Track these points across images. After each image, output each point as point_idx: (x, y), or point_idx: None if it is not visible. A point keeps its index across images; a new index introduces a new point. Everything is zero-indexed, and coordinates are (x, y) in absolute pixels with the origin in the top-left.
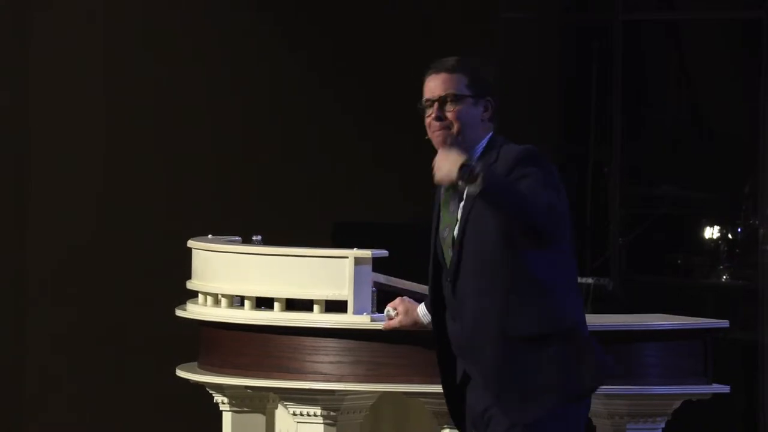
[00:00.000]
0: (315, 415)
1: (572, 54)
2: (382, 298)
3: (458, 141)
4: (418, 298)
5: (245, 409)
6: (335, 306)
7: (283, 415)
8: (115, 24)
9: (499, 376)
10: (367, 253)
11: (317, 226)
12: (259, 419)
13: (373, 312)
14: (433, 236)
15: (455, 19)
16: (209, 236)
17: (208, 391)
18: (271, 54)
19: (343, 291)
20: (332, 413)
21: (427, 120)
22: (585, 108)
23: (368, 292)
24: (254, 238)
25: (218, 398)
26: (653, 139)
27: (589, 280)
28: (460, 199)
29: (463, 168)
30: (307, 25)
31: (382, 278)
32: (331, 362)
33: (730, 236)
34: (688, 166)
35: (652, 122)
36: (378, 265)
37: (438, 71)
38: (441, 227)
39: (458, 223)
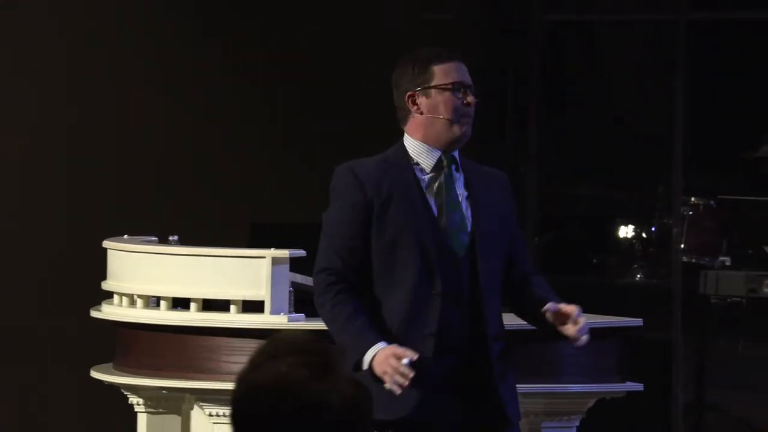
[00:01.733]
0: (225, 416)
1: (490, 55)
2: (299, 298)
3: (468, 134)
4: None
5: (160, 410)
6: (252, 306)
7: (198, 416)
8: (26, 19)
9: (503, 372)
10: (284, 253)
11: (234, 226)
12: (175, 420)
13: (290, 312)
14: (410, 225)
15: (377, 20)
16: (125, 236)
17: (123, 393)
18: (187, 50)
19: (261, 291)
20: None
21: (456, 103)
22: (502, 108)
23: (285, 292)
24: (171, 238)
25: (133, 399)
26: (569, 140)
27: None
28: (454, 186)
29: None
30: (224, 22)
31: (300, 278)
32: None
33: (644, 236)
34: (603, 166)
35: (568, 123)
36: (295, 264)
37: (459, 60)
38: (445, 214)
39: (468, 207)
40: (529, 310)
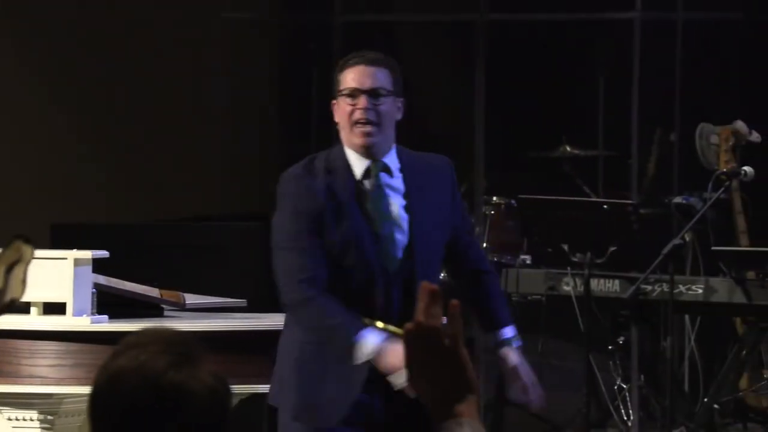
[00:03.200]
0: (31, 420)
1: (291, 55)
2: (101, 299)
3: (381, 139)
4: (139, 299)
5: None
6: (54, 308)
7: None
8: None
9: None
10: (87, 254)
11: (33, 227)
12: None
13: (92, 314)
14: (347, 234)
15: (175, 18)
16: None
17: None
18: None
19: (63, 293)
20: (49, 417)
21: (349, 109)
22: (305, 108)
23: (88, 293)
24: None
25: None
26: None
27: None
28: (387, 194)
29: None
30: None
31: (103, 279)
32: (50, 365)
33: None
34: None
35: None
36: (98, 265)
37: (367, 63)
38: (377, 225)
39: (404, 220)
40: (482, 321)
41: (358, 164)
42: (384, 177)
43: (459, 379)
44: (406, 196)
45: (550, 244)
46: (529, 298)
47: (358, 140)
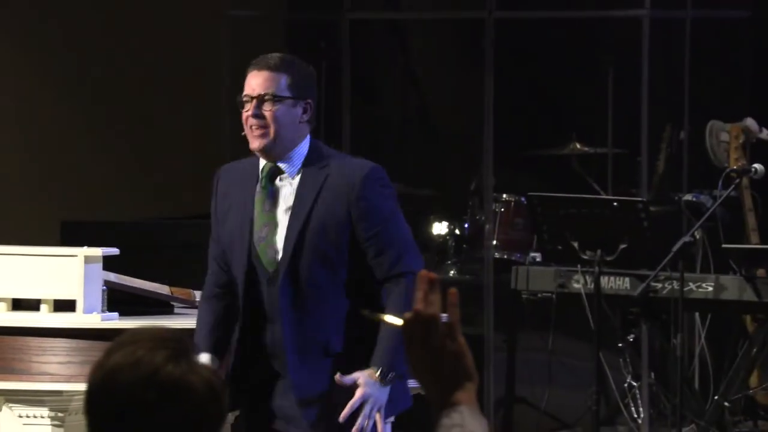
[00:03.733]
0: (42, 417)
1: (300, 52)
2: (112, 296)
3: (274, 143)
4: (149, 297)
5: None
6: (64, 305)
7: (8, 417)
8: None
9: (302, 382)
10: (97, 251)
11: (44, 224)
12: None
13: (103, 311)
14: (234, 234)
15: (179, 16)
16: None
17: None
18: None
19: (73, 290)
20: (60, 414)
21: (244, 116)
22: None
23: (98, 290)
24: None
25: None
26: (381, 137)
27: None
28: (275, 198)
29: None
30: (25, 20)
31: (113, 276)
32: (60, 362)
33: (457, 232)
34: (416, 163)
35: (379, 120)
36: (108, 263)
37: (260, 68)
38: (257, 227)
39: (285, 225)
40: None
41: (261, 167)
42: (279, 180)
43: (458, 366)
44: (295, 200)
45: (560, 241)
46: (539, 295)
47: (251, 144)
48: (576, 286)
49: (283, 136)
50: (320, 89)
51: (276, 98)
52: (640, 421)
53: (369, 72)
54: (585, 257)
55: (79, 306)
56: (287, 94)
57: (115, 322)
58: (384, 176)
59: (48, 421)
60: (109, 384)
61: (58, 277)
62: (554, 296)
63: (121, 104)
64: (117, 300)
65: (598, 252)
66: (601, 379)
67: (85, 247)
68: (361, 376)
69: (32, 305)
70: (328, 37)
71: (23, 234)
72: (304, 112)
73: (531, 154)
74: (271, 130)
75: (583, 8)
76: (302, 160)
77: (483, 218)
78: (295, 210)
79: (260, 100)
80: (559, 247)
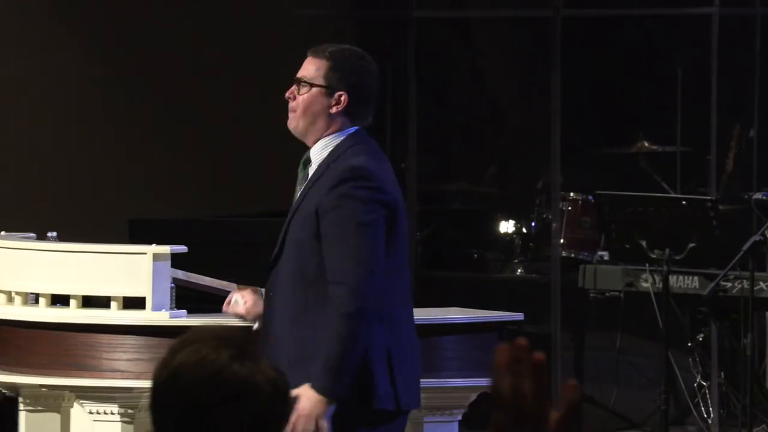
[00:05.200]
0: (112, 413)
1: (367, 51)
2: (180, 294)
3: (297, 127)
4: (217, 294)
5: (40, 408)
6: (133, 303)
7: (79, 413)
8: None
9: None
10: (165, 249)
11: (112, 223)
12: (54, 418)
13: (171, 308)
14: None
15: (250, 17)
16: (2, 233)
17: (1, 390)
18: (60, 49)
19: (142, 287)
20: (129, 411)
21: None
22: (380, 105)
23: (167, 288)
24: (49, 234)
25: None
26: (448, 136)
27: None
28: (297, 184)
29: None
30: (91, 19)
31: (181, 274)
32: (129, 359)
33: (524, 231)
34: (482, 162)
35: (446, 119)
36: (177, 260)
37: (310, 53)
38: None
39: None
40: None
41: None
42: (310, 167)
43: None
44: (298, 190)
45: (628, 240)
46: (606, 294)
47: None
48: (644, 285)
49: (309, 122)
50: (387, 88)
51: (304, 83)
52: (710, 422)
53: (435, 71)
54: (653, 256)
55: (148, 303)
56: (320, 81)
57: (183, 319)
58: (365, 179)
59: (118, 417)
60: (174, 383)
61: (127, 275)
62: (622, 295)
63: (190, 104)
64: (185, 297)
65: (667, 251)
66: (670, 378)
67: (154, 245)
68: (299, 393)
69: (102, 302)
70: (395, 35)
71: (93, 232)
72: (337, 103)
73: (599, 153)
74: (297, 114)
75: (653, 5)
76: (330, 150)
77: (550, 217)
78: (301, 201)
79: (297, 83)
80: (627, 246)
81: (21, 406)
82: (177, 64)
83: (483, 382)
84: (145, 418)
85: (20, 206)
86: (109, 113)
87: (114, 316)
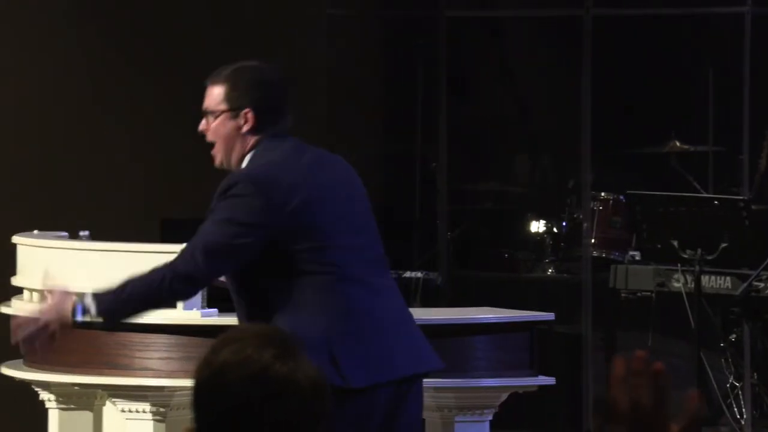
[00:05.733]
0: (144, 412)
1: (397, 51)
2: (211, 293)
3: (220, 157)
4: None
5: (72, 406)
6: None
7: (111, 412)
8: None
9: None
10: None
11: (144, 222)
12: (87, 417)
13: (203, 307)
14: None
15: (279, 15)
16: (35, 232)
17: (34, 389)
18: (101, 43)
19: None
20: (161, 409)
21: None
22: (411, 104)
23: None
24: (81, 234)
25: (44, 395)
26: (478, 135)
27: (418, 275)
28: None
29: (75, 310)
30: (133, 22)
31: None
32: (160, 358)
33: (555, 230)
34: (513, 161)
35: (476, 118)
36: None
37: (208, 81)
38: None
39: None
40: None
41: None
42: None
43: None
44: None
45: (660, 240)
46: (638, 294)
47: None
48: (676, 285)
49: (228, 150)
50: (417, 88)
51: (210, 113)
52: (742, 422)
53: (466, 70)
54: (685, 256)
55: (180, 302)
56: (224, 106)
57: (214, 318)
58: (235, 185)
59: (150, 416)
60: (218, 381)
61: None
62: (653, 295)
63: None
64: (216, 297)
65: (699, 251)
66: (703, 379)
67: (185, 244)
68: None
69: None
70: (425, 35)
71: (125, 231)
72: (245, 122)
73: (630, 152)
74: (217, 147)
75: (684, 5)
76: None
77: (581, 216)
78: None
79: (204, 115)
80: (659, 246)
81: (53, 405)
82: (207, 63)
83: (513, 381)
84: (177, 416)
85: (53, 205)
86: (142, 112)
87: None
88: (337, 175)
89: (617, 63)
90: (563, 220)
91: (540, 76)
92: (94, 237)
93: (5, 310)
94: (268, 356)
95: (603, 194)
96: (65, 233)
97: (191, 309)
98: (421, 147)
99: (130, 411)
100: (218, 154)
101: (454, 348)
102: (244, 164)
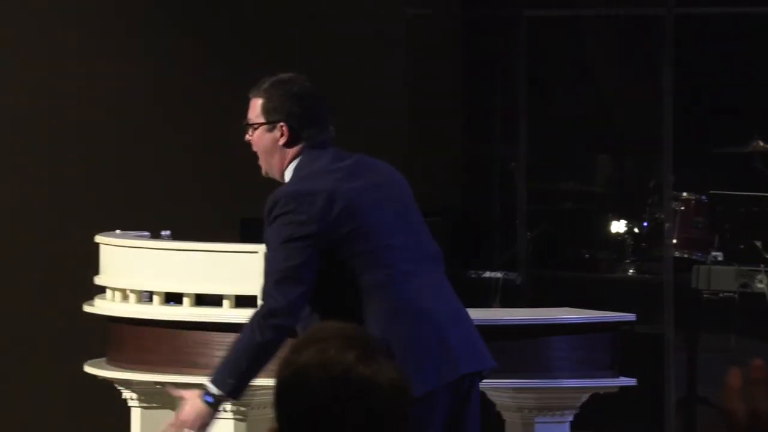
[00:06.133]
0: (225, 411)
1: (476, 50)
2: None
3: (265, 168)
4: None
5: (154, 405)
6: (245, 301)
7: None
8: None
9: None
10: None
11: (224, 221)
12: (168, 415)
13: None
14: None
15: (359, 16)
16: (117, 231)
17: (116, 387)
18: (177, 45)
19: (253, 286)
20: (242, 408)
21: None
22: (490, 104)
23: None
24: (163, 233)
25: (127, 394)
26: (558, 135)
27: (498, 275)
28: None
29: (208, 404)
30: (217, 23)
31: None
32: None
33: (636, 231)
34: (594, 161)
35: (558, 119)
36: None
37: (250, 94)
38: None
39: None
40: None
41: None
42: None
43: None
44: None
45: (742, 240)
46: (720, 295)
47: None
48: (759, 285)
49: (269, 161)
50: (495, 88)
51: (250, 125)
52: None
53: (545, 70)
54: None
55: (260, 302)
56: (261, 119)
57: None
58: (276, 205)
59: (230, 415)
60: (300, 382)
61: (239, 273)
62: (736, 296)
63: None
64: None
65: None
66: None
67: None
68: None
69: (214, 301)
70: (505, 35)
71: (206, 231)
72: (281, 135)
73: (712, 152)
74: (261, 159)
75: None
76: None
77: (662, 217)
78: None
79: (245, 128)
80: (741, 246)
81: (135, 403)
82: (276, 63)
83: (594, 382)
84: (258, 415)
85: (134, 205)
86: (221, 110)
87: (226, 314)
88: (379, 179)
89: (699, 62)
90: (644, 221)
91: (621, 76)
92: (176, 237)
93: (89, 309)
94: (350, 358)
95: (685, 194)
96: (147, 233)
97: None
98: (500, 147)
99: None
100: (262, 165)
101: (534, 348)
102: (287, 175)
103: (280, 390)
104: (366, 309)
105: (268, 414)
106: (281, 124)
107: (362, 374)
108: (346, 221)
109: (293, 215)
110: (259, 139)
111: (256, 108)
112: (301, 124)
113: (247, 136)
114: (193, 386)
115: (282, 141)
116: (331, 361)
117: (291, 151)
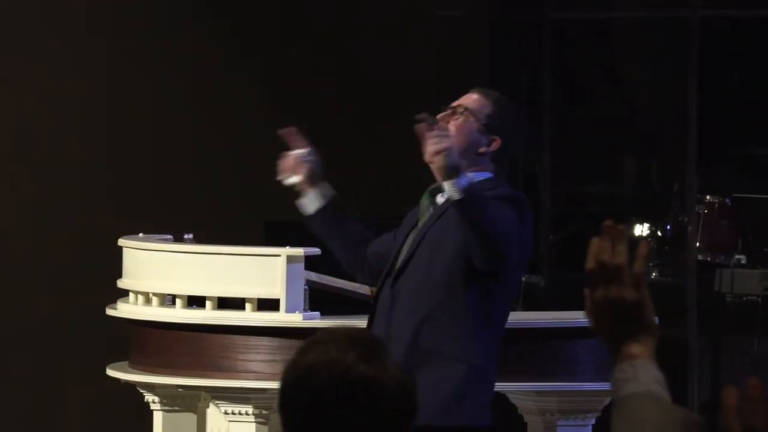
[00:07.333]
0: (247, 414)
1: (502, 52)
2: (314, 296)
3: (452, 153)
4: (350, 296)
5: (176, 408)
6: (267, 304)
7: (214, 414)
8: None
9: None
10: (299, 251)
11: (248, 224)
12: (190, 418)
13: (305, 310)
14: (394, 237)
15: (389, 17)
16: (140, 235)
17: (138, 391)
18: (205, 51)
19: (276, 289)
20: (264, 412)
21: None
22: (516, 106)
23: (300, 290)
24: (186, 236)
25: (149, 397)
26: (583, 138)
27: (521, 278)
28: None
29: (452, 166)
30: (244, 28)
31: (314, 276)
32: (263, 360)
33: (659, 234)
34: (617, 164)
35: (582, 120)
36: (310, 263)
37: (477, 89)
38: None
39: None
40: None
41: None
42: (440, 197)
43: (636, 318)
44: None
45: (767, 243)
46: (744, 298)
47: None
48: None
49: (462, 150)
50: (521, 89)
51: (468, 112)
52: None
53: (571, 72)
54: None
55: (282, 305)
56: (482, 118)
57: (316, 321)
58: (520, 202)
59: (252, 418)
60: (303, 382)
61: (261, 277)
62: (760, 299)
63: (326, 104)
64: (318, 299)
65: None
66: None
67: (288, 247)
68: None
69: (237, 304)
70: (531, 36)
71: (229, 234)
72: (488, 145)
73: (736, 155)
74: (452, 140)
75: None
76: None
77: (686, 220)
78: (420, 224)
79: (454, 111)
80: (765, 250)
81: (157, 406)
82: (313, 66)
83: None
84: (279, 419)
85: (158, 208)
86: (245, 114)
87: (248, 317)
88: None
89: (724, 64)
90: (667, 224)
91: (646, 77)
92: (198, 240)
93: (111, 312)
94: (351, 357)
95: (709, 197)
96: (170, 236)
97: (293, 312)
98: (549, 151)
99: (233, 413)
100: (453, 147)
101: (556, 351)
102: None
103: (284, 391)
104: (486, 329)
105: None
106: (496, 138)
107: (365, 373)
108: (522, 247)
109: (524, 215)
110: (468, 130)
111: (481, 105)
112: (506, 151)
113: (444, 116)
114: (215, 389)
115: (484, 150)
116: (332, 361)
117: (481, 164)
